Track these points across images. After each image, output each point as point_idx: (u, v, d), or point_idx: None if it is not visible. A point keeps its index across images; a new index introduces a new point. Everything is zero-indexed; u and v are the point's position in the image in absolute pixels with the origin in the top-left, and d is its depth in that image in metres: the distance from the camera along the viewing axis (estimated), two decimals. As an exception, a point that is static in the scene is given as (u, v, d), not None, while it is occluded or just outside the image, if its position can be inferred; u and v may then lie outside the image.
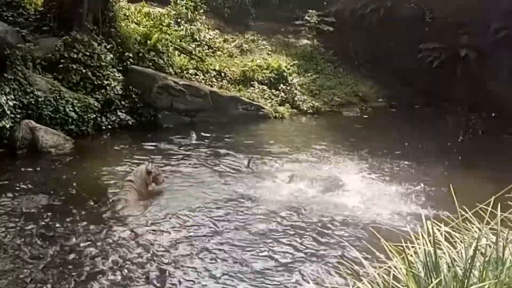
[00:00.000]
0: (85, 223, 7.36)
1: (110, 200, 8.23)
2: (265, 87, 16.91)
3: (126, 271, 6.12)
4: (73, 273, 5.95)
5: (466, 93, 17.92)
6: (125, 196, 8.08)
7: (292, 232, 7.45)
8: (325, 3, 22.69)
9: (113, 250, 6.62)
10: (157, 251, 6.62)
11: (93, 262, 6.25)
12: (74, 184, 9.03)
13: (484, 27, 17.69)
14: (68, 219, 7.45)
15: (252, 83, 16.87)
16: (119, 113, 12.95)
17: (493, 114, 16.55)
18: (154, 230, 7.28)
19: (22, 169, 9.72)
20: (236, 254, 6.63)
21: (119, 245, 6.77)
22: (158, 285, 5.83)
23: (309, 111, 16.82)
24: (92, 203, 8.15)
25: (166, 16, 17.70)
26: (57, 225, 7.25)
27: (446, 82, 18.47)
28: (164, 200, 8.50)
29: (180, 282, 5.88)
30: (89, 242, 6.78)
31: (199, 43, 17.99)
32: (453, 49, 17.94)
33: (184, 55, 16.58)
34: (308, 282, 5.54)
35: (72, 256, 6.38)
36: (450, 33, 18.43)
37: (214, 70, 16.80)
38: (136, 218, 7.62)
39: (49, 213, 7.66)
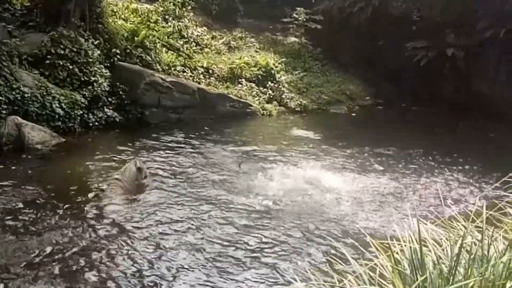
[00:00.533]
0: (68, 219, 7.40)
1: (95, 197, 8.26)
2: (253, 85, 16.90)
3: (108, 266, 6.16)
4: (56, 269, 5.96)
5: (453, 92, 18.05)
6: (111, 193, 8.13)
7: (274, 227, 7.58)
8: (313, 1, 22.69)
9: (96, 245, 6.66)
10: (139, 245, 6.68)
11: (76, 258, 6.28)
12: (59, 180, 9.01)
13: (471, 26, 17.78)
14: (51, 215, 7.46)
15: (240, 80, 16.86)
16: (106, 110, 12.87)
17: (479, 113, 16.67)
18: (137, 226, 7.33)
19: (7, 165, 9.64)
20: (219, 247, 6.79)
21: (102, 240, 6.82)
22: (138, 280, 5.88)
23: (296, 109, 16.83)
24: (76, 199, 8.16)
25: (153, 12, 17.61)
26: (40, 220, 7.27)
27: (433, 81, 18.57)
28: (149, 197, 8.53)
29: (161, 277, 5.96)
30: (71, 238, 6.80)
31: (187, 40, 17.94)
32: (440, 48, 18.01)
33: (172, 52, 16.53)
34: (296, 280, 5.55)
35: (55, 251, 6.39)
36: (438, 32, 18.51)
37: (202, 67, 16.76)
38: (120, 214, 7.65)
39: (33, 209, 7.65)
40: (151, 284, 5.82)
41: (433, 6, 19.03)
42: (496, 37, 16.90)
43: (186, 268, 6.19)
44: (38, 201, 8.04)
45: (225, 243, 6.96)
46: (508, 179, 4.18)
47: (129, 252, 6.51)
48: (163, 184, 9.18)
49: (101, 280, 5.84)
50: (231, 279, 6.03)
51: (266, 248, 6.89)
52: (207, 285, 5.88)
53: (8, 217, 7.28)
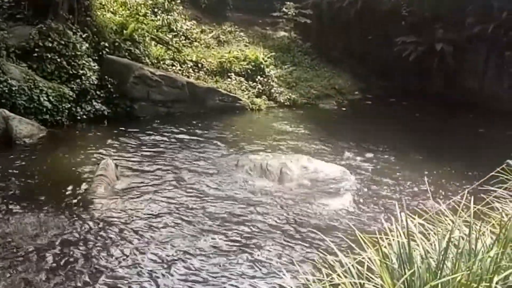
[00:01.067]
0: (54, 212, 7.40)
1: (82, 190, 8.26)
2: (242, 79, 16.86)
3: (97, 258, 6.18)
4: (42, 263, 5.96)
5: (442, 87, 18.11)
6: (96, 188, 8.12)
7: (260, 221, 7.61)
8: (303, -5, 22.69)
9: (83, 238, 6.67)
10: (128, 237, 6.71)
11: (62, 251, 6.29)
12: (46, 173, 9.02)
13: (460, 21, 17.83)
14: (38, 209, 7.45)
15: (229, 74, 16.80)
16: (94, 103, 12.80)
17: (468, 108, 16.73)
18: (124, 219, 7.34)
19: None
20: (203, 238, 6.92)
21: (89, 233, 6.82)
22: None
23: (285, 103, 16.80)
24: (62, 193, 8.16)
25: (142, 5, 17.50)
26: (27, 214, 7.25)
27: (423, 76, 18.63)
28: (133, 191, 8.52)
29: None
30: (57, 231, 6.80)
31: (176, 33, 17.85)
32: (430, 43, 18.06)
33: (161, 46, 16.45)
34: (284, 274, 5.56)
35: (41, 244, 6.40)
36: (427, 27, 18.54)
37: (191, 61, 16.69)
38: (107, 207, 7.65)
39: (19, 202, 7.65)
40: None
41: (422, 1, 19.05)
42: (485, 33, 16.97)
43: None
44: (22, 194, 8.04)
45: (212, 234, 6.99)
46: (496, 174, 4.20)
47: (117, 244, 6.53)
48: (147, 177, 9.18)
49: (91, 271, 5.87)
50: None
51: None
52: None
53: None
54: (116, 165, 8.86)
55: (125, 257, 6.26)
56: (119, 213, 7.53)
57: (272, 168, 9.65)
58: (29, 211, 7.32)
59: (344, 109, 17.56)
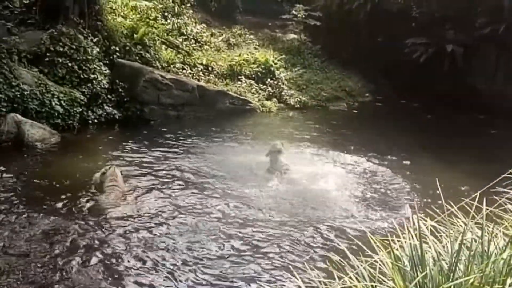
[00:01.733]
0: (67, 217, 7.39)
1: (95, 196, 8.24)
2: (252, 82, 16.88)
3: (114, 264, 6.18)
4: (57, 267, 5.97)
5: (452, 88, 18.00)
6: (109, 195, 8.09)
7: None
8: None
9: (98, 244, 6.65)
10: (145, 243, 6.69)
11: (78, 255, 6.29)
12: (58, 178, 8.98)
13: (470, 22, 17.76)
14: (50, 214, 7.45)
15: (239, 77, 16.83)
16: (105, 107, 12.88)
17: (479, 109, 16.64)
18: (137, 225, 7.34)
19: (7, 162, 9.63)
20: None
21: (103, 239, 6.81)
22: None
23: (296, 106, 16.80)
24: (75, 198, 8.13)
25: (153, 9, 17.58)
26: (39, 218, 7.26)
27: (433, 77, 18.53)
28: (145, 198, 8.48)
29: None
30: (72, 237, 6.79)
31: (186, 37, 17.91)
32: (440, 44, 17.99)
33: (171, 49, 16.50)
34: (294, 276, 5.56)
35: (54, 249, 6.40)
36: (437, 28, 18.49)
37: (201, 64, 16.73)
38: (120, 214, 7.64)
39: (32, 205, 7.68)
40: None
41: (432, 2, 18.99)
42: (495, 33, 16.88)
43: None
44: (34, 197, 8.07)
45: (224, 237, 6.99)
46: (509, 175, 4.17)
47: (134, 251, 6.53)
48: (158, 182, 9.17)
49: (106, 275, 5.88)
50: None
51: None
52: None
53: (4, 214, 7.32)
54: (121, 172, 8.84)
55: (144, 262, 6.26)
56: (133, 220, 7.48)
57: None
58: (40, 216, 7.31)
59: (354, 111, 17.52)
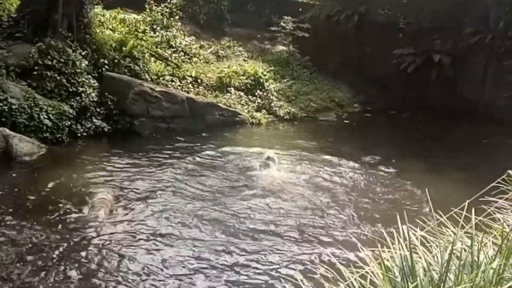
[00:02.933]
0: (54, 232, 7.32)
1: (83, 211, 8.18)
2: (241, 93, 16.90)
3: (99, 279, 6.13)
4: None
5: (441, 98, 18.10)
6: (99, 211, 8.03)
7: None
8: (300, 9, 22.81)
9: (86, 260, 6.61)
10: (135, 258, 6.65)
11: (59, 271, 6.24)
12: (45, 192, 8.95)
13: (457, 32, 17.93)
14: (39, 227, 7.41)
15: (228, 89, 16.85)
16: (94, 120, 12.82)
17: (468, 118, 16.74)
18: (128, 241, 7.29)
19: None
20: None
21: (92, 255, 6.76)
22: None
23: (285, 117, 16.82)
24: (63, 213, 8.07)
25: (141, 22, 17.62)
26: (30, 232, 7.20)
27: (421, 88, 18.66)
28: (135, 212, 8.42)
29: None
30: (57, 252, 6.74)
31: (175, 49, 17.94)
32: (428, 55, 18.13)
33: (160, 62, 16.51)
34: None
35: (37, 263, 6.36)
36: (425, 39, 18.64)
37: (191, 76, 16.75)
38: (109, 231, 7.58)
39: (18, 220, 7.61)
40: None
41: (419, 13, 19.14)
42: (483, 43, 17.05)
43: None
44: (20, 212, 8.01)
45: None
46: (497, 185, 4.19)
47: (119, 268, 6.49)
48: (148, 196, 9.12)
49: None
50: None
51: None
52: None
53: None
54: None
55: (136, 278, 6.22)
56: (123, 235, 7.45)
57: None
58: (27, 230, 7.27)
59: (345, 121, 17.57)
